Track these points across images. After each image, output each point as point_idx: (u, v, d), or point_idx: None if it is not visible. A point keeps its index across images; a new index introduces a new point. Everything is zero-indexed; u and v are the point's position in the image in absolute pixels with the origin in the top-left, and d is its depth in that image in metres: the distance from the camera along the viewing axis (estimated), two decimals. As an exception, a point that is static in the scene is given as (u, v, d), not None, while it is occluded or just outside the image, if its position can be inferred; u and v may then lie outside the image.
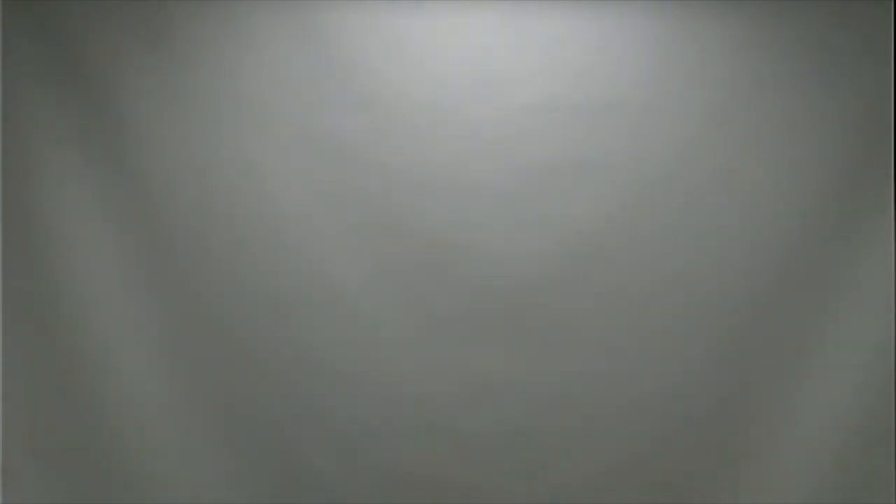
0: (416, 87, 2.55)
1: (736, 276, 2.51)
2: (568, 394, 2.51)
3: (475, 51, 2.56)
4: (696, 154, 2.54)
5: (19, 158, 2.51)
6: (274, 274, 2.52)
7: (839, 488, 2.44)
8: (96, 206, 2.51)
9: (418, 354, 2.52)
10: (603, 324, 2.52)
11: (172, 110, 2.53)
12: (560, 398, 2.51)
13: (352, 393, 2.51)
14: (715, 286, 2.51)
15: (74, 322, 2.48)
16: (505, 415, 2.51)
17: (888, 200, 2.49)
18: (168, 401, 2.50)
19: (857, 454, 2.45)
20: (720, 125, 2.55)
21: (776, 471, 2.47)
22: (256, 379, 2.51)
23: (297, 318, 2.52)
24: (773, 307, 2.50)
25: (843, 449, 2.45)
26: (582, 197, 2.54)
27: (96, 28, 2.54)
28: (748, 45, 2.55)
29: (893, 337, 2.46)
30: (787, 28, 2.55)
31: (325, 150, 2.54)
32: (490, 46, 2.57)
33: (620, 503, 2.49)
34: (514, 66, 2.56)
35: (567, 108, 2.55)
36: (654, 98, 2.55)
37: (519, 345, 2.52)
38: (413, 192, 2.53)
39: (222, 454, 2.50)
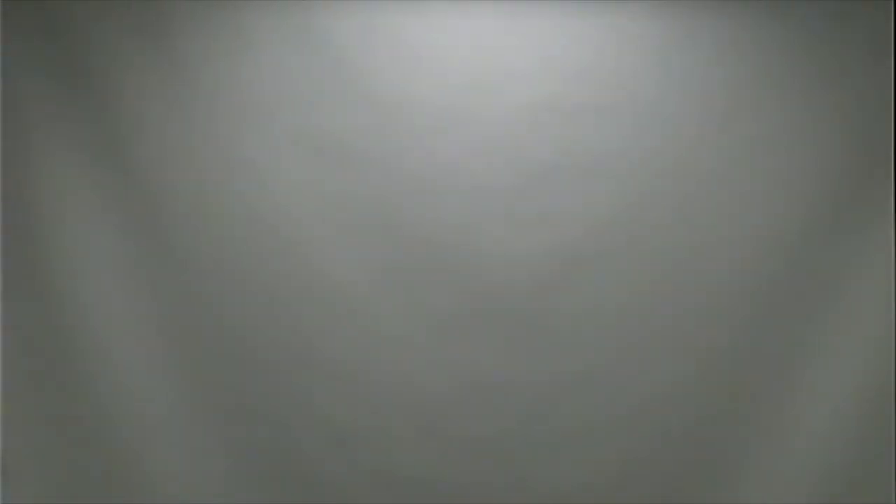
0: (416, 87, 2.55)
1: (736, 276, 2.51)
2: (569, 394, 2.51)
3: (475, 51, 2.57)
4: (696, 154, 2.54)
5: (19, 158, 2.51)
6: (274, 274, 2.52)
7: (839, 488, 2.44)
8: (96, 206, 2.51)
9: (419, 354, 2.52)
10: (603, 324, 2.52)
11: (173, 110, 2.54)
12: (561, 398, 2.51)
13: (352, 393, 2.51)
14: (715, 286, 2.51)
15: (74, 321, 2.48)
16: (505, 414, 2.51)
17: (888, 200, 2.50)
18: (168, 400, 2.50)
19: (857, 454, 2.45)
20: (720, 125, 2.55)
21: (776, 471, 2.47)
22: (256, 379, 2.51)
23: (298, 318, 2.52)
24: (772, 307, 2.50)
25: (843, 449, 2.45)
26: (582, 197, 2.54)
27: (97, 28, 2.54)
28: (748, 45, 2.55)
29: (893, 337, 2.46)
30: (787, 28, 2.55)
31: (326, 149, 2.55)
32: (490, 46, 2.57)
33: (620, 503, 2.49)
34: (514, 66, 2.56)
35: (567, 108, 2.55)
36: (654, 98, 2.55)
37: (520, 344, 2.52)
38: (413, 191, 2.54)
39: (223, 454, 2.50)
